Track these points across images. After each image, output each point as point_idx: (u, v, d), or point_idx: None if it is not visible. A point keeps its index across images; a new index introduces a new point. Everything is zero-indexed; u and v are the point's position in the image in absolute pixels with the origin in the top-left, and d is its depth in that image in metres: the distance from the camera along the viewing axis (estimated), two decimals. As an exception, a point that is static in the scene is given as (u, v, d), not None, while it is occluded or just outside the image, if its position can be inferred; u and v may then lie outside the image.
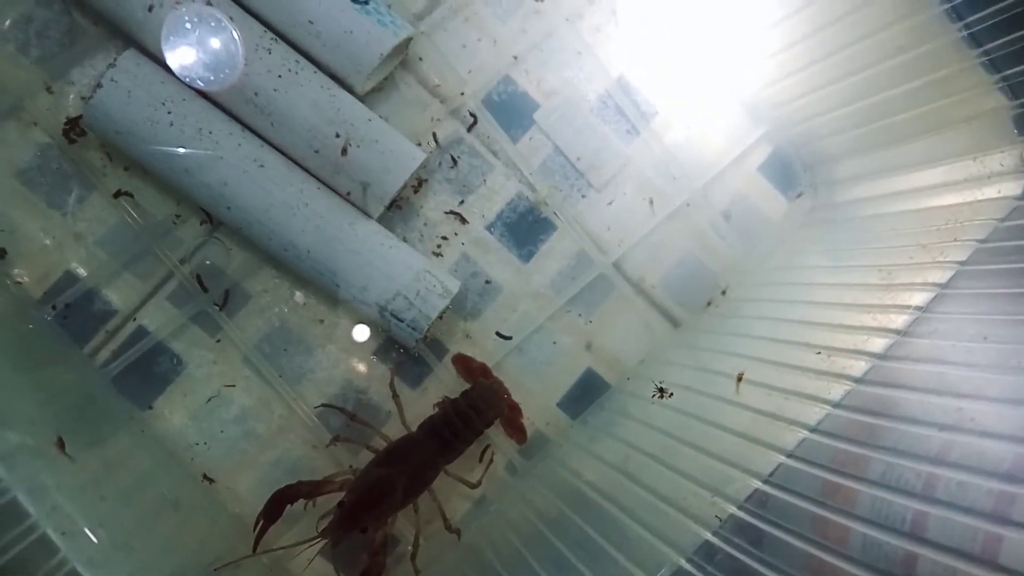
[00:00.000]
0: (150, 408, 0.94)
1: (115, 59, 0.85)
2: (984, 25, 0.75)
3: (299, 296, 0.97)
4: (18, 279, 0.91)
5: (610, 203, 1.03)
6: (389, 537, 0.90)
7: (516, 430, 0.98)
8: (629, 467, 0.86)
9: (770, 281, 1.01)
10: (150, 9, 0.84)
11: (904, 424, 0.65)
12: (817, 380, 0.75)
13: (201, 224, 0.95)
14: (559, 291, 1.02)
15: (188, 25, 0.85)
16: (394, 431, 0.94)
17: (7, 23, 0.91)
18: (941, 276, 0.75)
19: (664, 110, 1.04)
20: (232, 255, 0.95)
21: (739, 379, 0.83)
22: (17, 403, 0.77)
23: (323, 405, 0.96)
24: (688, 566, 0.68)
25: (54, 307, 0.92)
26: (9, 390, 0.79)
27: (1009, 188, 0.79)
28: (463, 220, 1.00)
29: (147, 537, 0.79)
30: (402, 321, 0.91)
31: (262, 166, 0.88)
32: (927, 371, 0.68)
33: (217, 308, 0.95)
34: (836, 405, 0.72)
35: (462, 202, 1.01)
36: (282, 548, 0.87)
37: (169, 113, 0.85)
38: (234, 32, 0.86)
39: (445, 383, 0.99)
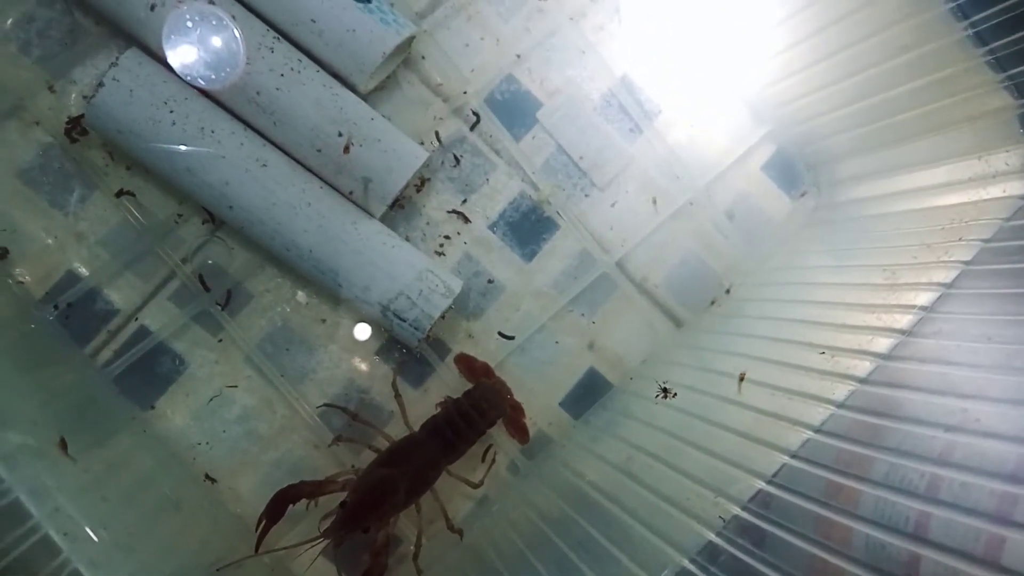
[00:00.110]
0: (152, 408, 0.94)
1: (117, 58, 0.85)
2: (989, 24, 0.75)
3: (301, 296, 0.97)
4: (20, 279, 0.91)
5: (613, 204, 1.03)
6: (391, 537, 0.90)
7: (518, 430, 0.98)
8: (632, 467, 0.85)
9: (773, 281, 1.01)
10: (152, 8, 0.84)
11: (908, 425, 0.65)
12: (821, 380, 0.75)
13: (203, 223, 0.94)
14: (562, 291, 1.02)
15: (189, 23, 0.85)
16: (396, 431, 0.94)
17: (9, 22, 0.90)
18: (945, 276, 0.75)
19: (667, 109, 1.04)
20: (234, 255, 0.95)
21: (741, 379, 0.83)
22: (19, 404, 0.77)
23: (325, 405, 0.96)
24: (691, 567, 0.68)
25: (56, 307, 0.92)
26: (11, 391, 0.79)
27: (1014, 187, 0.79)
28: (466, 219, 1.00)
29: (149, 538, 0.78)
30: (404, 321, 0.91)
31: (264, 165, 0.88)
32: (931, 371, 0.68)
33: (219, 308, 0.95)
34: (840, 405, 0.71)
35: (465, 201, 1.00)
36: (284, 548, 0.86)
37: (171, 112, 0.85)
38: (235, 31, 0.85)
39: (447, 383, 0.99)
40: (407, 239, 0.97)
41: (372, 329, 0.98)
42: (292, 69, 0.87)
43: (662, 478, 0.80)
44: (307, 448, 0.96)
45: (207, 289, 0.95)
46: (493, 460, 0.98)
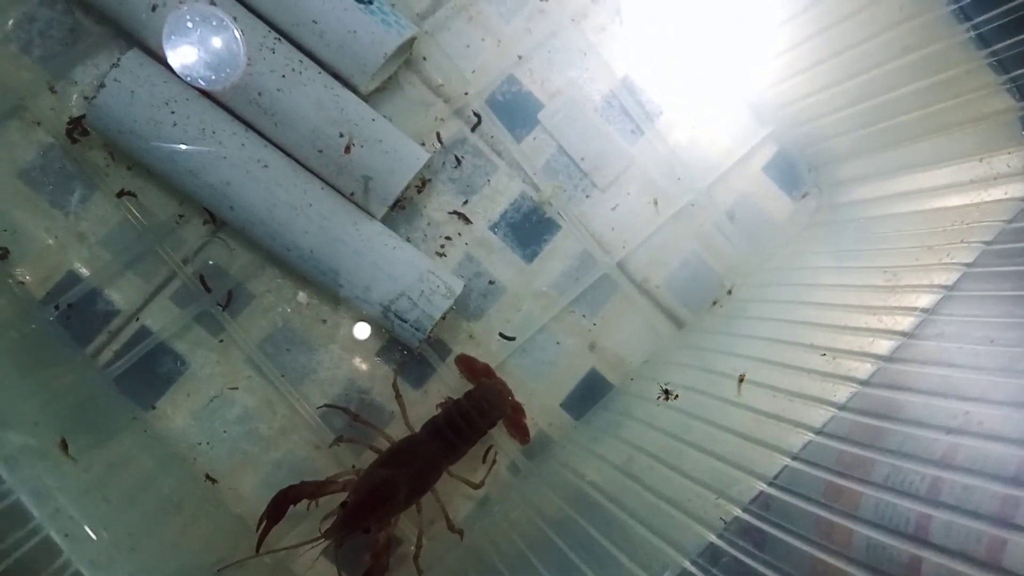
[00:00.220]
0: (153, 408, 0.94)
1: (118, 59, 0.85)
2: (992, 26, 0.75)
3: (302, 296, 0.97)
4: (21, 279, 0.91)
5: (614, 208, 1.03)
6: (392, 538, 0.90)
7: (519, 431, 0.98)
8: (633, 468, 0.85)
9: (774, 282, 1.01)
10: (153, 9, 0.84)
11: (909, 427, 0.65)
12: (822, 382, 0.75)
13: (204, 224, 0.94)
14: (563, 291, 1.02)
15: (190, 24, 0.85)
16: (397, 431, 0.94)
17: (10, 23, 0.90)
18: (947, 278, 0.75)
19: (669, 110, 1.04)
20: (235, 255, 0.95)
21: (741, 380, 0.83)
22: (20, 404, 0.77)
23: (326, 405, 0.96)
24: (692, 568, 0.68)
25: (57, 307, 0.92)
26: (12, 391, 0.79)
27: (1016, 190, 0.79)
28: (467, 220, 1.00)
29: (150, 538, 0.78)
30: (405, 321, 0.91)
31: (266, 166, 0.88)
32: (933, 374, 0.68)
33: (220, 308, 0.95)
34: (841, 407, 0.72)
35: (466, 202, 1.00)
36: (285, 549, 0.87)
37: (172, 113, 0.85)
38: (236, 31, 0.85)
39: (448, 383, 0.99)
40: (408, 240, 0.97)
41: (373, 329, 0.97)
42: (293, 70, 0.87)
43: (663, 479, 0.80)
44: (308, 448, 0.96)
45: (208, 290, 0.94)
46: (494, 461, 0.98)
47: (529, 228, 1.02)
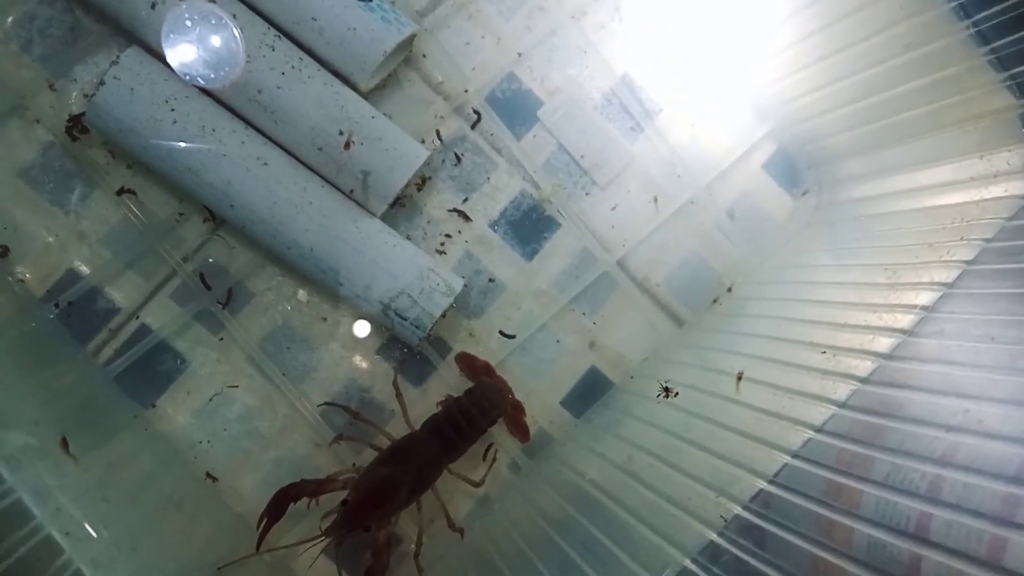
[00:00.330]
0: (153, 407, 0.94)
1: (118, 56, 0.85)
2: (992, 23, 0.75)
3: (302, 294, 0.97)
4: (20, 277, 0.91)
5: (614, 208, 1.03)
6: (392, 536, 0.90)
7: (519, 429, 0.98)
8: (633, 466, 0.85)
9: (775, 280, 1.01)
10: (153, 6, 0.84)
11: (910, 425, 0.65)
12: (822, 380, 0.75)
13: (204, 222, 0.94)
14: (563, 289, 1.02)
15: (188, 23, 0.85)
16: (397, 430, 0.94)
17: (9, 20, 0.90)
18: (947, 276, 0.75)
19: (668, 108, 1.04)
20: (235, 253, 0.95)
21: (739, 378, 0.83)
22: (21, 403, 0.77)
23: (326, 403, 0.96)
24: (693, 567, 0.68)
25: (57, 305, 0.92)
26: (13, 390, 0.79)
27: (1016, 187, 0.78)
28: (466, 218, 1.00)
29: (151, 537, 0.78)
30: (405, 319, 0.91)
31: (265, 164, 0.88)
32: (933, 371, 0.68)
33: (220, 306, 0.95)
34: (841, 405, 0.71)
35: (466, 200, 1.00)
36: (285, 547, 0.86)
37: (172, 111, 0.85)
38: (235, 30, 0.85)
39: (448, 382, 0.99)
40: (408, 238, 0.97)
41: (373, 327, 0.98)
42: (293, 67, 0.87)
43: (663, 477, 0.80)
44: (308, 447, 0.96)
45: (208, 288, 0.94)
46: (494, 459, 0.98)
47: (529, 226, 1.02)
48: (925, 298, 0.74)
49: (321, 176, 0.92)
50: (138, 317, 0.94)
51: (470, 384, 0.97)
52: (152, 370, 0.94)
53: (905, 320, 0.74)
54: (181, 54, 0.86)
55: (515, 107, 1.01)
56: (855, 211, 0.99)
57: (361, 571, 0.87)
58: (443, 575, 0.93)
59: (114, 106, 0.85)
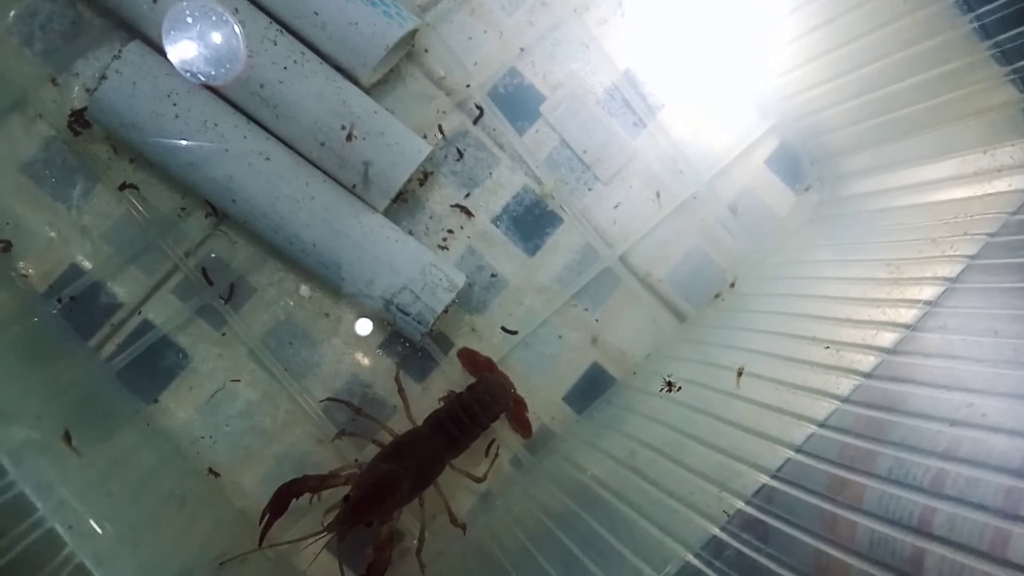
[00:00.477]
0: (155, 402, 0.94)
1: (120, 51, 0.85)
2: (995, 17, 0.75)
3: (304, 290, 0.96)
4: (23, 272, 0.91)
5: (616, 202, 1.03)
6: (395, 532, 0.90)
7: (521, 424, 0.98)
8: (636, 462, 0.85)
9: (777, 275, 1.01)
10: (155, 1, 0.84)
11: (913, 419, 0.65)
12: (825, 375, 0.75)
13: (206, 217, 0.94)
14: (565, 285, 1.02)
15: (189, 19, 0.84)
16: (400, 425, 0.94)
17: (11, 15, 0.90)
18: (951, 270, 0.75)
19: (671, 103, 1.04)
20: (237, 248, 0.95)
21: (739, 374, 0.83)
22: (24, 398, 0.77)
23: (328, 399, 0.96)
24: (696, 561, 0.68)
25: (59, 300, 0.92)
26: (15, 385, 0.78)
27: (1020, 181, 0.78)
28: (469, 213, 1.00)
29: (154, 532, 0.79)
30: (408, 315, 0.91)
31: (268, 159, 0.88)
32: (936, 366, 0.68)
33: (222, 302, 0.95)
34: (844, 400, 0.71)
35: (468, 195, 1.00)
36: (288, 542, 0.87)
37: (174, 105, 0.85)
38: (235, 26, 0.85)
39: (450, 377, 0.99)
40: (410, 233, 0.97)
41: (375, 323, 0.97)
42: (295, 62, 0.87)
43: (666, 473, 0.80)
44: (310, 442, 0.96)
45: (210, 283, 0.94)
46: (496, 455, 0.98)
47: (531, 221, 1.02)
48: (928, 293, 0.74)
49: (323, 171, 0.91)
50: (140, 312, 0.94)
51: (472, 380, 0.96)
52: (154, 365, 0.94)
53: (908, 315, 0.74)
54: (182, 51, 0.86)
55: (517, 102, 1.01)
56: (858, 206, 0.99)
57: (363, 567, 0.87)
58: (445, 571, 0.93)
59: (116, 101, 0.84)
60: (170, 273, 0.94)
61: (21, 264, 0.91)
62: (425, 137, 0.96)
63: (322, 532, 0.84)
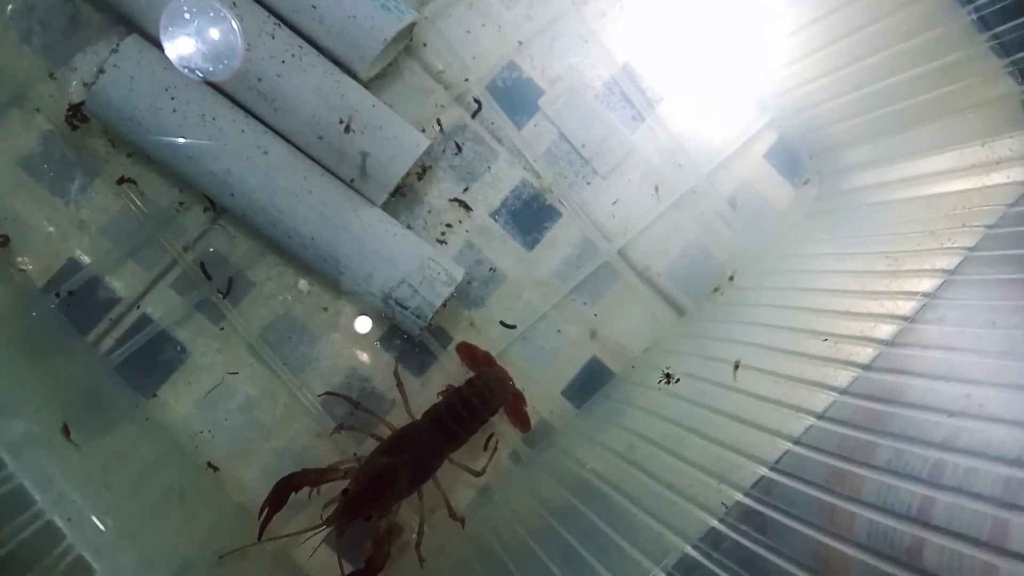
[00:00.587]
0: (154, 396, 0.94)
1: (118, 45, 0.85)
2: (993, 9, 0.75)
3: (303, 284, 0.96)
4: (22, 267, 0.91)
5: (615, 195, 1.02)
6: (393, 525, 0.90)
7: (520, 418, 0.98)
8: (634, 455, 0.85)
9: (776, 269, 1.01)
10: (152, -5, 0.84)
11: (912, 410, 0.65)
12: (824, 367, 0.75)
13: (204, 211, 0.94)
14: (564, 279, 1.02)
15: (187, 15, 0.84)
16: (398, 419, 0.94)
17: (9, 10, 0.90)
18: (949, 262, 0.75)
19: (669, 97, 1.04)
20: (236, 243, 0.95)
21: (736, 367, 0.83)
22: (22, 392, 0.77)
23: (327, 393, 0.96)
24: (694, 553, 0.68)
25: (58, 295, 0.92)
26: (14, 379, 0.79)
27: (1018, 174, 0.78)
28: (467, 208, 1.00)
29: (153, 526, 0.79)
30: (406, 309, 0.91)
31: (266, 153, 0.88)
32: (935, 357, 0.68)
33: (221, 296, 0.95)
34: (843, 392, 0.71)
35: (466, 189, 1.00)
36: (287, 535, 0.87)
37: (172, 99, 0.85)
38: (233, 22, 0.85)
39: (449, 371, 0.99)
40: (409, 227, 0.97)
41: (374, 319, 0.97)
42: (293, 56, 0.87)
43: (665, 466, 0.80)
44: (309, 437, 0.96)
45: (209, 277, 0.94)
46: (495, 449, 0.98)
47: (530, 215, 1.02)
48: (926, 285, 0.74)
49: (322, 165, 0.91)
50: (139, 307, 0.94)
51: (471, 374, 0.96)
52: (153, 360, 0.94)
53: (906, 307, 0.74)
54: (180, 47, 0.85)
55: (516, 96, 1.01)
56: (856, 200, 0.99)
57: (362, 561, 0.87)
58: (444, 565, 0.93)
59: (114, 95, 0.84)
60: (168, 267, 0.94)
61: (20, 259, 0.92)
62: (423, 131, 0.96)
63: (321, 526, 0.84)
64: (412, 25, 0.93)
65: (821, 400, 0.72)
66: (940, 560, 0.56)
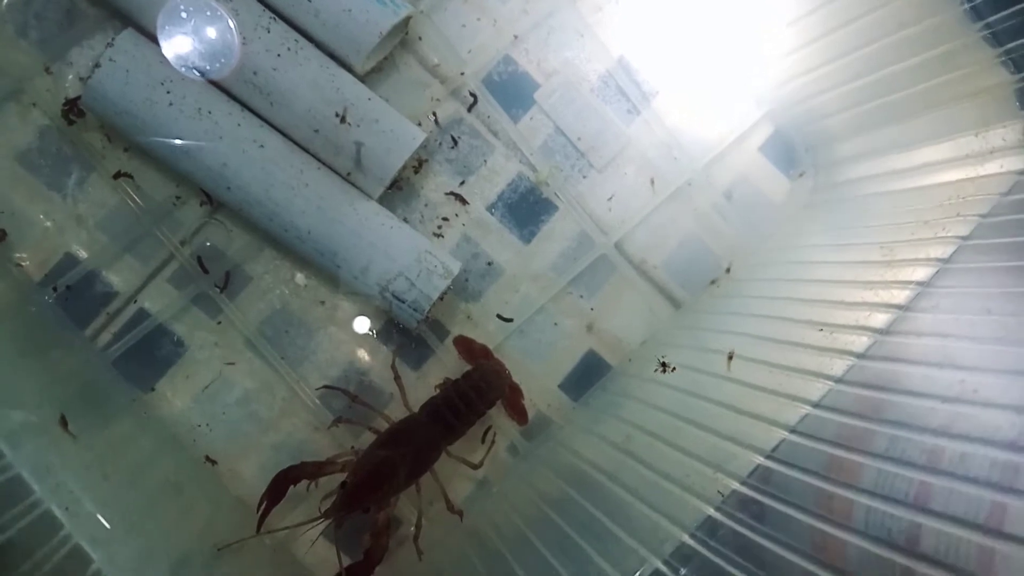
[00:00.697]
0: (152, 390, 0.94)
1: (113, 39, 0.85)
2: (985, -2, 0.75)
3: (300, 278, 0.97)
4: (19, 262, 0.91)
5: (611, 188, 1.03)
6: (392, 518, 0.90)
7: (517, 411, 0.98)
8: (631, 446, 0.86)
9: (772, 261, 1.01)
10: (148, -11, 0.84)
11: (908, 397, 0.65)
12: (819, 356, 0.75)
13: (201, 205, 0.94)
14: (560, 272, 1.02)
15: (184, 14, 0.85)
16: (396, 413, 0.94)
17: (5, 4, 0.90)
18: (943, 251, 0.75)
19: (665, 90, 1.04)
20: (233, 237, 0.95)
21: (730, 358, 0.83)
22: (21, 384, 0.77)
23: (325, 387, 0.96)
24: (691, 541, 0.68)
25: (55, 289, 0.92)
26: (12, 371, 0.79)
27: (1011, 163, 0.79)
28: (464, 201, 1.00)
29: (151, 519, 0.79)
30: (403, 302, 0.91)
31: (262, 146, 0.88)
32: (930, 345, 0.68)
33: (218, 290, 0.95)
34: (839, 380, 0.72)
35: (463, 183, 1.00)
36: (285, 528, 0.87)
37: (168, 93, 0.85)
38: (230, 20, 0.85)
39: (446, 365, 0.99)
40: (405, 221, 0.97)
41: (371, 312, 0.98)
42: (289, 49, 0.87)
43: (661, 456, 0.80)
44: (307, 430, 0.96)
45: (206, 271, 0.94)
46: (493, 441, 0.98)
47: (526, 209, 1.02)
48: (921, 274, 0.75)
49: (318, 159, 0.92)
50: (136, 301, 0.94)
51: (468, 367, 0.97)
52: (151, 354, 0.94)
53: (901, 296, 0.74)
54: (176, 46, 0.86)
55: (512, 90, 1.01)
56: (852, 191, 0.99)
57: (361, 553, 0.87)
58: (442, 557, 0.93)
59: (110, 89, 0.85)
60: (165, 262, 0.94)
61: (17, 254, 0.92)
62: (419, 125, 0.96)
63: (319, 518, 0.84)
64: (408, 19, 0.93)
65: (817, 389, 0.72)
66: (937, 545, 0.57)
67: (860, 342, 0.73)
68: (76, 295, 0.92)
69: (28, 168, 0.92)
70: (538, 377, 1.02)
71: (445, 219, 1.00)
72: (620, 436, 0.89)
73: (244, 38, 0.86)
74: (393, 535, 0.92)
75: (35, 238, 0.92)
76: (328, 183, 0.90)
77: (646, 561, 0.69)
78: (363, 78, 0.93)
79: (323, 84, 0.88)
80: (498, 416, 0.99)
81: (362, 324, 0.98)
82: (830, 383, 0.72)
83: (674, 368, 0.91)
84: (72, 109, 0.90)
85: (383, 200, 0.94)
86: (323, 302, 0.97)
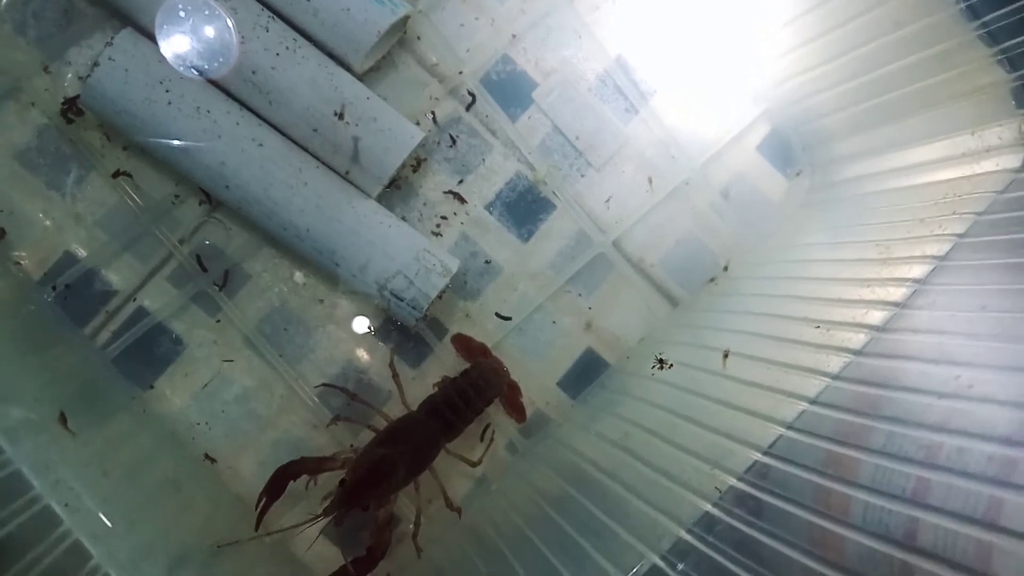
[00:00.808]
0: (151, 388, 0.94)
1: (112, 38, 0.85)
2: (981, -4, 0.75)
3: (299, 276, 0.97)
4: (18, 260, 0.92)
5: (609, 195, 1.03)
6: (392, 515, 0.90)
7: (515, 409, 0.98)
8: (629, 444, 0.86)
9: (769, 259, 1.01)
10: (147, -13, 0.84)
11: (905, 393, 0.66)
12: (816, 353, 0.75)
13: (200, 204, 0.95)
14: (559, 271, 1.02)
15: (182, 13, 0.85)
16: (394, 410, 0.94)
17: (3, 3, 0.90)
18: (939, 249, 0.75)
19: (663, 89, 1.04)
20: (231, 235, 0.95)
21: (725, 356, 0.84)
22: (20, 381, 0.77)
23: (323, 385, 0.96)
24: (688, 537, 0.68)
25: (54, 288, 0.92)
26: (12, 369, 0.79)
27: (1007, 161, 0.79)
28: (462, 200, 1.00)
29: (150, 516, 0.79)
30: (402, 300, 0.91)
31: (261, 145, 0.88)
32: (926, 341, 0.68)
33: (217, 288, 0.95)
34: (836, 377, 0.72)
35: (461, 182, 1.01)
36: (285, 529, 0.87)
37: (167, 92, 0.85)
38: (228, 20, 0.85)
39: (445, 363, 0.99)
40: (404, 219, 0.97)
41: (370, 311, 0.98)
42: (287, 48, 0.87)
43: (659, 453, 0.80)
44: (306, 428, 0.96)
45: (205, 270, 0.95)
46: (491, 439, 0.98)
47: (524, 207, 1.02)
48: (917, 271, 0.75)
49: (316, 157, 0.92)
50: (135, 299, 0.94)
51: (467, 365, 0.97)
52: (150, 352, 0.94)
53: (898, 293, 0.74)
54: (175, 45, 0.86)
55: (510, 89, 1.01)
56: (849, 190, 1.00)
57: (362, 550, 0.87)
58: (441, 555, 0.93)
59: (109, 88, 0.85)
60: (164, 260, 0.95)
61: (16, 253, 0.92)
62: (418, 123, 0.97)
63: (319, 516, 0.84)
64: (406, 18, 0.93)
65: (814, 385, 0.73)
66: (935, 540, 0.57)
67: (857, 339, 0.74)
68: (75, 293, 0.92)
69: (27, 167, 0.92)
70: (536, 375, 1.02)
71: (443, 218, 1.00)
72: (618, 433, 0.89)
73: (243, 37, 0.86)
74: (392, 532, 0.92)
75: (34, 237, 0.92)
76: (327, 182, 0.91)
77: (644, 557, 0.69)
78: (361, 77, 0.93)
79: (322, 83, 0.88)
80: (496, 414, 0.99)
81: (361, 322, 0.98)
82: (827, 380, 0.72)
83: (672, 365, 0.91)
84: (71, 108, 0.90)
85: (382, 199, 0.94)
86: (322, 300, 0.97)
